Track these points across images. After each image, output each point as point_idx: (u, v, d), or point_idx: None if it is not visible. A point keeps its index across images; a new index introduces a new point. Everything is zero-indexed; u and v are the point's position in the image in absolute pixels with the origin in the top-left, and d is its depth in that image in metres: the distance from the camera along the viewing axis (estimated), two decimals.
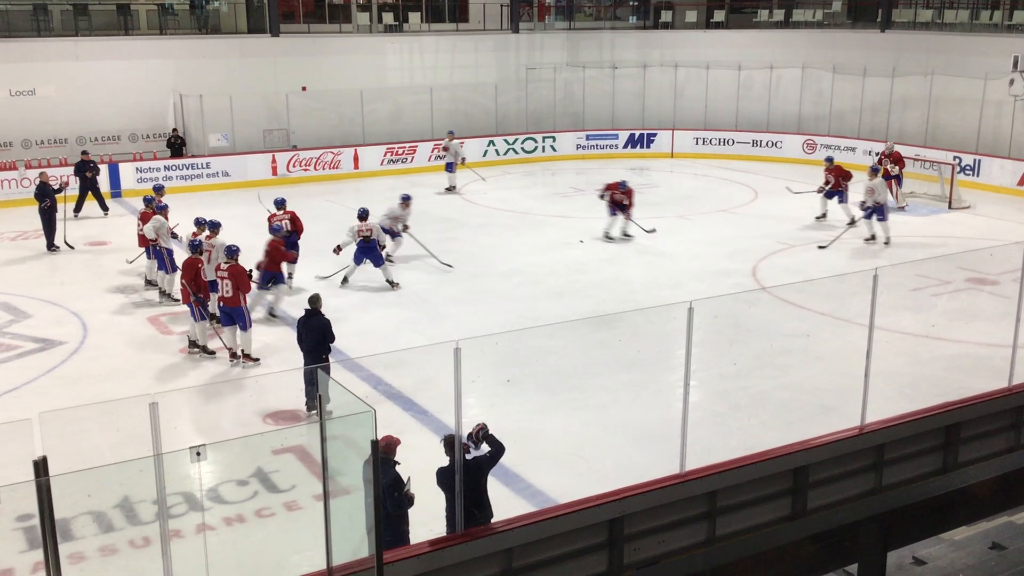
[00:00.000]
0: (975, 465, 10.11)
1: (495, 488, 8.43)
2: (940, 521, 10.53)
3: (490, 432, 7.85)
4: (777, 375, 12.69)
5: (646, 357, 13.21)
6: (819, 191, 21.03)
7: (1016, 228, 20.28)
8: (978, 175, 24.79)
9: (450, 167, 25.32)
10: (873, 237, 19.17)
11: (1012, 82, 24.74)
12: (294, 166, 26.55)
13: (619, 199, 19.78)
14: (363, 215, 16.83)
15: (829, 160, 21.47)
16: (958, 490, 10.08)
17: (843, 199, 20.72)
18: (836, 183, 20.85)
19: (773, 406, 11.63)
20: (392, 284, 16.66)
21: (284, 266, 15.32)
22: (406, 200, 18.17)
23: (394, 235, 18.08)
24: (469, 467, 7.68)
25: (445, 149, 25.44)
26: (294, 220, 16.80)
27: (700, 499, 8.58)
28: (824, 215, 21.04)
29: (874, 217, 19.10)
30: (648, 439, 10.42)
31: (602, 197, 20.07)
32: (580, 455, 10.46)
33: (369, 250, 16.62)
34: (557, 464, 10.21)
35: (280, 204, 16.94)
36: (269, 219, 16.77)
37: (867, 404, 9.51)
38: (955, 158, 24.35)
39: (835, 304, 14.71)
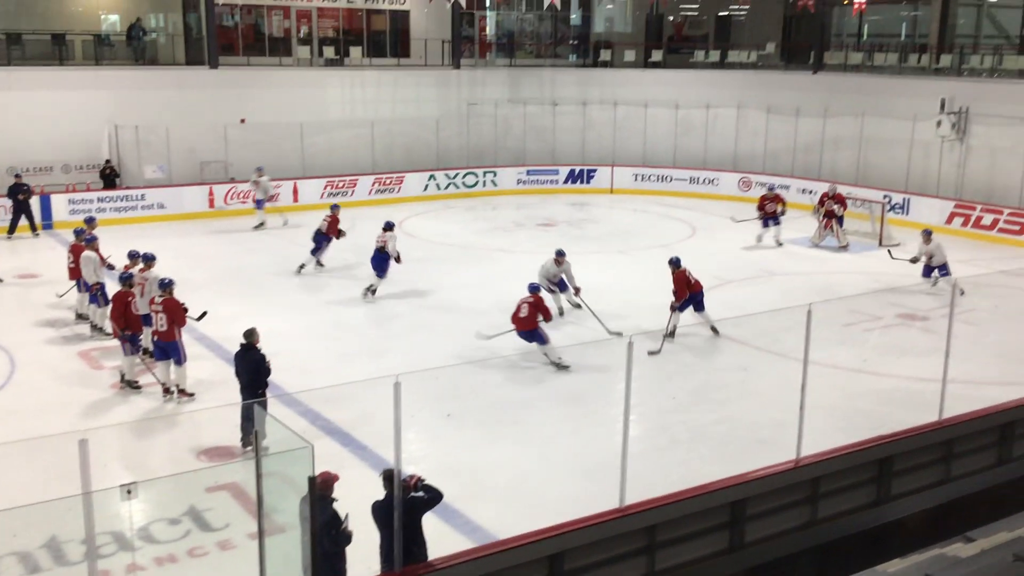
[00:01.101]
0: (907, 497, 10.30)
1: (434, 524, 8.36)
2: (874, 553, 10.67)
3: (425, 482, 7.79)
4: (715, 409, 12.82)
5: (586, 391, 13.26)
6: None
7: None
8: (907, 213, 25.47)
9: (259, 204, 24.47)
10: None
11: (939, 123, 25.57)
12: (232, 198, 26.26)
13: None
14: (387, 227, 18.20)
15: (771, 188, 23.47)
16: (891, 522, 10.25)
17: (776, 222, 22.86)
18: (774, 211, 22.66)
19: (711, 440, 11.73)
20: (369, 292, 17.77)
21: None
22: (560, 256, 16.56)
23: (553, 291, 16.59)
24: (405, 504, 7.60)
25: (256, 184, 24.39)
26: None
27: (640, 533, 8.60)
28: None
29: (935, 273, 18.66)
30: (588, 473, 10.42)
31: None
32: (520, 490, 10.42)
33: (380, 260, 17.74)
34: (497, 499, 10.16)
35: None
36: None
37: (802, 437, 9.65)
38: (885, 197, 25.00)
39: (770, 339, 14.94)
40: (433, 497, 7.80)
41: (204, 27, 28.40)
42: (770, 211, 22.93)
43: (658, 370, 13.76)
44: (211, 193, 25.99)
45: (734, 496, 9.05)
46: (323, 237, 20.15)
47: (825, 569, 10.02)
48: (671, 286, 15.69)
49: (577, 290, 16.57)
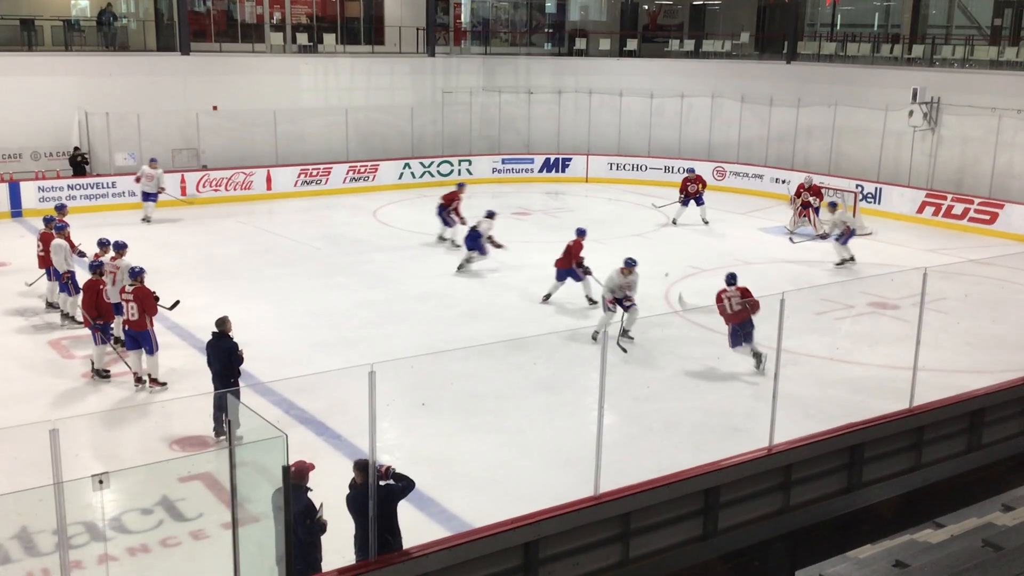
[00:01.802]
0: (878, 484, 10.41)
1: (409, 513, 8.36)
2: (845, 539, 10.78)
3: (396, 471, 7.79)
4: (688, 397, 12.88)
5: (561, 380, 13.28)
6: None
7: (916, 254, 21.04)
8: (880, 203, 25.69)
9: (149, 197, 23.29)
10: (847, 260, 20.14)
11: (911, 113, 25.76)
12: (204, 186, 26.05)
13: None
14: (488, 215, 19.33)
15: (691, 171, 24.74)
16: (862, 509, 10.36)
17: (700, 202, 24.16)
18: (696, 192, 24.14)
19: (685, 428, 11.79)
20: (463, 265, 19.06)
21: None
22: (629, 266, 14.87)
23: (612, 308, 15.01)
24: (379, 493, 7.59)
25: (149, 178, 23.17)
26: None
27: (614, 521, 8.64)
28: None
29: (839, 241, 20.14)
30: (563, 462, 10.45)
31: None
32: (495, 478, 10.44)
33: (473, 237, 19.05)
34: (472, 488, 10.16)
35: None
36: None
37: (775, 425, 9.73)
38: (858, 186, 25.19)
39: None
40: (407, 486, 7.79)
41: (175, 13, 28.08)
42: (692, 192, 24.09)
43: (633, 359, 13.80)
44: (183, 181, 25.75)
45: (708, 483, 9.11)
46: (443, 209, 21.11)
47: (797, 555, 10.11)
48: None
49: (627, 301, 14.73)
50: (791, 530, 9.82)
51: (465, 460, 10.84)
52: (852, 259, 20.15)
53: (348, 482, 7.74)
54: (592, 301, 16.57)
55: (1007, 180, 24.41)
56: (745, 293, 13.31)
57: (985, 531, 8.58)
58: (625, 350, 13.93)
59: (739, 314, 13.16)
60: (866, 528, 10.50)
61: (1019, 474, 11.54)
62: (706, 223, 24.08)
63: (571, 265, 16.74)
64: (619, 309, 14.62)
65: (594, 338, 14.38)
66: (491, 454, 11.05)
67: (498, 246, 19.19)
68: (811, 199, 23.13)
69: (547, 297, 17.12)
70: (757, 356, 13.33)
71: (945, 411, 10.87)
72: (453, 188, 21.91)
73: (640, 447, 11.04)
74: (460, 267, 19.17)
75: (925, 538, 8.60)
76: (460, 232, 20.46)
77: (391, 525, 7.73)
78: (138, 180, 23.25)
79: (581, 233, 17.05)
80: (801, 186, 23.65)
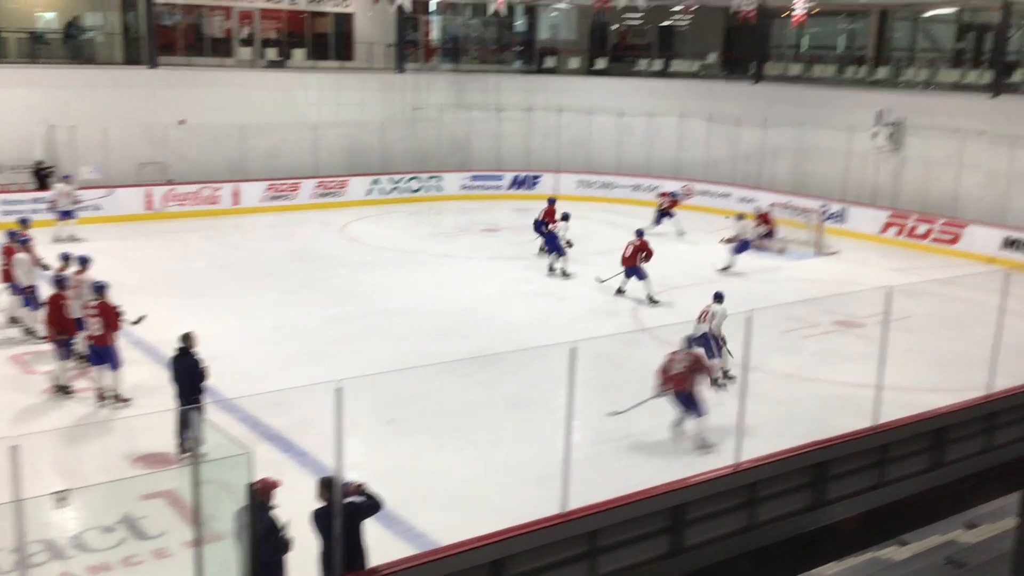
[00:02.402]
0: (843, 502, 10.48)
1: (376, 530, 8.29)
2: (810, 557, 10.84)
3: (365, 489, 7.74)
4: (657, 414, 12.89)
5: (529, 397, 13.27)
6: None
7: (880, 273, 21.28)
8: (845, 222, 25.98)
9: (69, 215, 22.70)
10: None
11: (875, 135, 26.13)
12: (170, 200, 25.83)
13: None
14: (564, 217, 20.97)
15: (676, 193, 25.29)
16: (827, 526, 10.42)
17: (671, 215, 25.26)
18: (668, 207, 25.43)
19: (653, 445, 11.81)
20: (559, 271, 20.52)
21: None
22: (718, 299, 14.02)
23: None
24: (345, 510, 7.53)
25: (65, 196, 22.54)
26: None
27: (581, 538, 8.63)
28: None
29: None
30: (531, 479, 10.43)
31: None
32: (462, 495, 10.39)
33: (552, 239, 20.74)
34: (439, 505, 10.11)
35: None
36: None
37: (741, 442, 9.77)
38: (823, 206, 25.47)
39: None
40: (373, 504, 7.74)
41: (143, 26, 27.90)
42: (664, 207, 25.42)
43: (601, 376, 13.81)
44: (149, 195, 25.54)
45: (675, 501, 9.13)
46: (542, 224, 21.82)
47: (763, 572, 10.15)
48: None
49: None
50: (757, 547, 9.85)
51: (432, 477, 10.79)
52: (728, 268, 21.33)
53: (313, 499, 7.68)
54: (653, 300, 18.33)
55: (969, 201, 24.79)
56: (697, 361, 11.80)
57: (948, 549, 8.69)
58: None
59: (679, 378, 11.60)
60: (831, 545, 10.58)
61: (982, 492, 11.67)
62: (682, 234, 24.96)
63: (636, 263, 18.48)
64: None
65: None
66: (459, 471, 11.01)
67: (570, 245, 20.75)
68: (761, 227, 23.36)
69: (620, 291, 18.91)
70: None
71: (909, 429, 10.97)
72: (546, 204, 22.72)
73: (608, 464, 11.05)
74: (551, 269, 20.74)
75: (889, 556, 8.68)
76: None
77: (357, 543, 7.67)
78: (53, 201, 22.64)
79: (640, 233, 18.96)
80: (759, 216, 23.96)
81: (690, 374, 11.47)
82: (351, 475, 8.00)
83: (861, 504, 10.65)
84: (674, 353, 11.76)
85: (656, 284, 18.90)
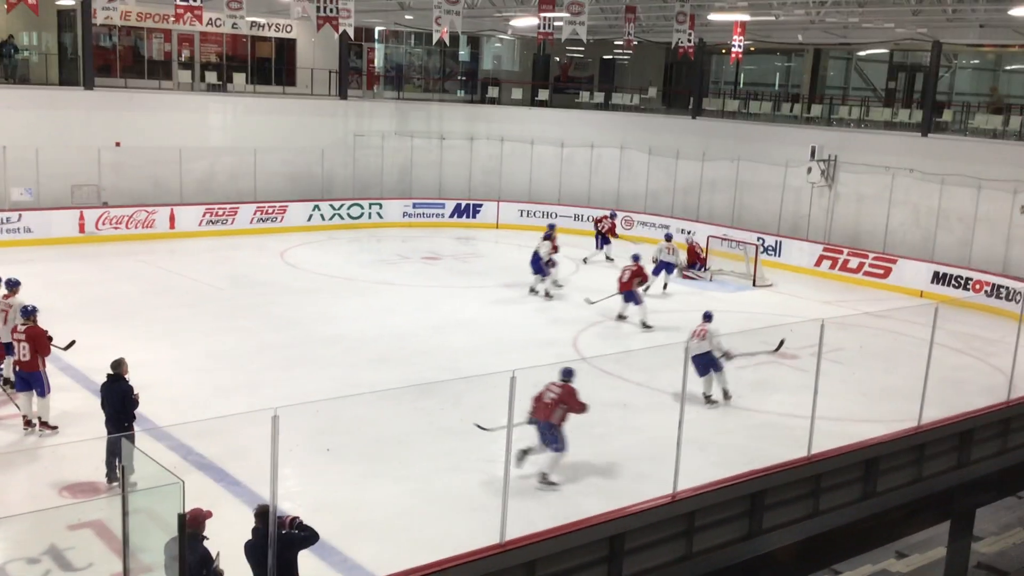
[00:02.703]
0: (778, 531, 10.58)
1: (311, 563, 8.16)
2: None
3: (301, 522, 7.62)
4: (596, 444, 12.93)
5: (468, 426, 13.20)
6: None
7: (814, 306, 21.69)
8: (780, 255, 26.46)
9: None
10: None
11: (809, 170, 26.73)
12: (104, 224, 25.34)
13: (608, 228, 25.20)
14: (546, 237, 21.84)
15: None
16: (762, 555, 10.51)
17: (607, 241, 25.92)
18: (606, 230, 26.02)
19: (592, 475, 11.82)
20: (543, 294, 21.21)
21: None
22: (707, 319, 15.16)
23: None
24: (280, 541, 7.40)
25: None
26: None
27: (519, 569, 8.58)
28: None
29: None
30: (469, 509, 10.36)
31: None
32: (400, 526, 10.28)
33: (535, 261, 21.33)
34: (376, 536, 9.99)
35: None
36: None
37: (679, 472, 9.83)
38: (759, 239, 25.92)
39: (650, 375, 15.23)
40: (309, 536, 7.62)
41: (80, 47, 27.46)
42: (603, 230, 25.91)
43: None
44: (82, 218, 25.02)
45: (613, 530, 9.14)
46: (537, 258, 21.82)
47: None
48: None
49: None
50: None
51: (369, 507, 10.65)
52: (646, 288, 20.73)
53: (247, 530, 7.53)
54: (646, 326, 18.84)
55: (900, 236, 25.45)
56: (568, 393, 11.41)
57: None
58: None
59: (546, 408, 11.26)
60: (766, 574, 10.66)
61: (912, 522, 11.89)
62: (609, 260, 25.38)
63: (632, 288, 19.07)
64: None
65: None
66: (396, 501, 10.89)
67: (552, 264, 21.46)
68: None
69: (621, 317, 19.36)
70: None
71: (842, 459, 11.14)
72: (547, 230, 22.91)
73: (547, 494, 11.02)
74: (533, 291, 21.42)
75: None
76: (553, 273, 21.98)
77: (291, 575, 7.53)
78: None
79: (636, 258, 19.49)
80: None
81: (556, 406, 11.21)
82: (286, 505, 7.87)
83: (796, 533, 10.77)
84: (552, 383, 11.46)
85: (592, 314, 19.00)
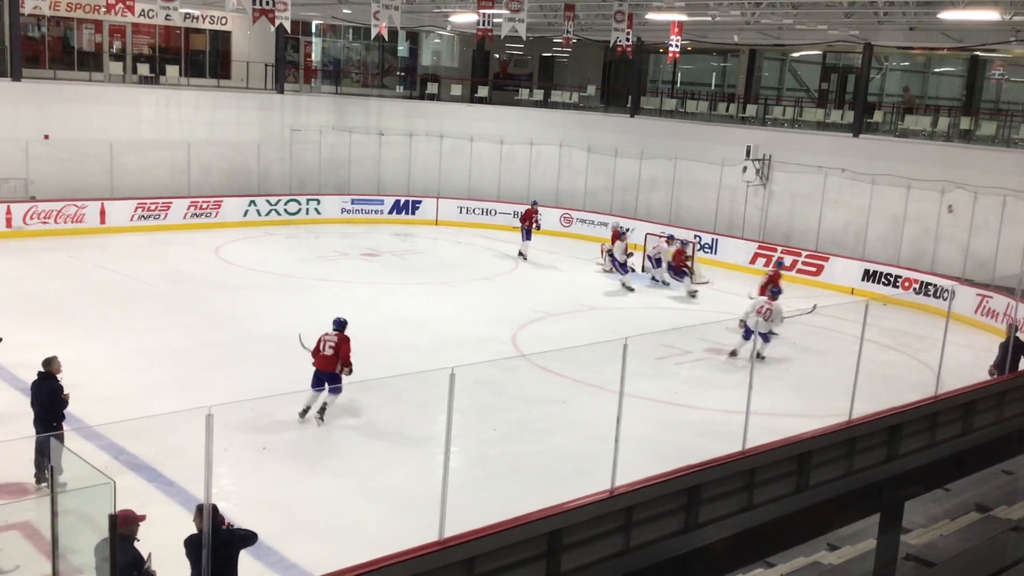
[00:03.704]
0: (714, 524, 10.72)
1: (247, 563, 8.04)
2: None
3: (235, 527, 7.54)
4: (536, 440, 12.99)
5: (407, 423, 13.16)
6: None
7: (748, 302, 21.98)
8: (716, 253, 26.81)
9: None
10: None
11: (745, 169, 27.13)
12: (32, 218, 24.68)
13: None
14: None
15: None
16: (698, 549, 10.63)
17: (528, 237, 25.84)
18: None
19: (532, 471, 11.86)
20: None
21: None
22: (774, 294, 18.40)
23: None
24: (222, 538, 7.30)
25: None
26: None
27: (459, 566, 8.56)
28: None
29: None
30: (408, 506, 10.33)
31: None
32: (337, 525, 10.20)
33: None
34: (313, 535, 9.90)
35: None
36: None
37: (617, 468, 9.90)
38: (696, 237, 26.24)
39: (589, 371, 15.32)
40: (248, 535, 7.53)
41: (7, 37, 26.70)
42: (528, 224, 25.86)
43: (480, 402, 13.82)
44: (9, 212, 24.34)
45: (551, 526, 9.16)
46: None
47: None
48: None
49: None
50: (632, 571, 9.97)
51: (307, 506, 10.55)
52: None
53: (180, 531, 7.41)
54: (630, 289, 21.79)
55: (832, 234, 25.97)
56: (343, 340, 13.04)
57: (813, 570, 8.97)
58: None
59: (329, 360, 12.88)
60: (702, 568, 10.80)
61: (843, 514, 12.13)
62: (523, 257, 25.71)
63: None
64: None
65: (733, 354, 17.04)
66: (334, 500, 10.81)
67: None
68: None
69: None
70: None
71: (775, 453, 11.31)
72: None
73: (486, 490, 11.03)
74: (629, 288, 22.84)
75: None
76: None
77: (231, 573, 7.43)
78: None
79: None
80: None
81: (335, 356, 12.95)
82: (221, 504, 7.76)
83: (731, 527, 10.91)
84: (326, 334, 13.20)
85: (530, 312, 19.06)
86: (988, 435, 13.02)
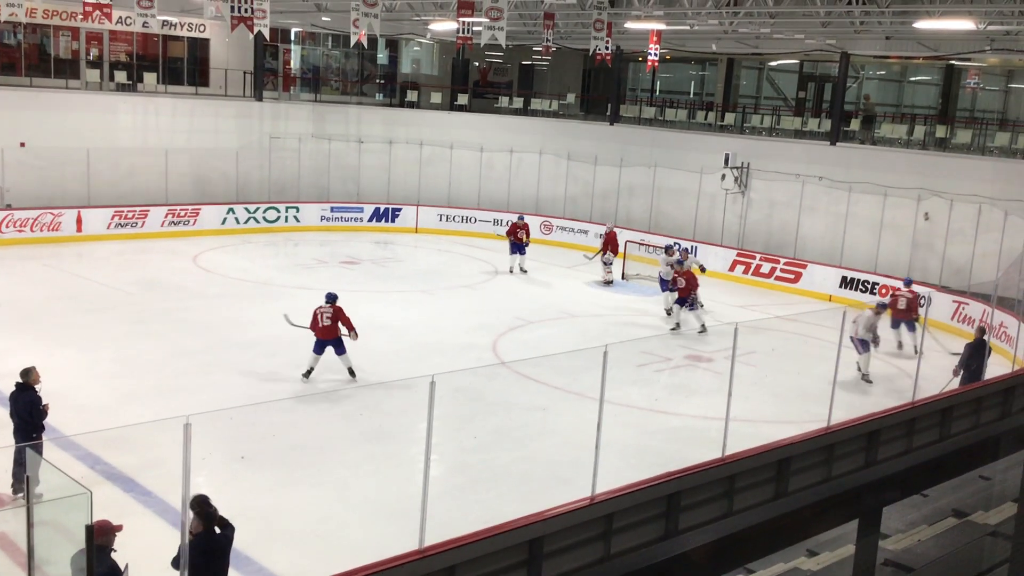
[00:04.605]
0: (693, 531, 10.74)
1: None
2: None
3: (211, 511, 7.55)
4: (515, 448, 12.98)
5: (387, 431, 13.12)
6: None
7: (727, 310, 22.11)
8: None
9: None
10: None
11: (723, 177, 27.27)
12: (7, 227, 24.46)
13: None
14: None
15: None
16: (678, 555, 10.64)
17: (522, 251, 25.07)
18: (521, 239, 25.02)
19: (512, 478, 11.85)
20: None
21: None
22: (881, 308, 18.13)
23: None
24: (222, 542, 7.42)
25: None
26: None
27: (439, 574, 8.53)
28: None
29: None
30: (387, 515, 10.29)
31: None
32: (317, 533, 10.15)
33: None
34: (293, 544, 9.84)
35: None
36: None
37: (597, 475, 9.91)
38: (675, 243, 26.29)
39: (569, 378, 15.33)
40: (231, 528, 7.67)
41: None
42: (519, 238, 24.94)
43: (460, 409, 13.80)
44: None
45: (532, 534, 9.15)
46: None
47: None
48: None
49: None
50: None
51: (285, 515, 10.49)
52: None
53: (157, 541, 7.35)
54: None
55: (809, 242, 26.13)
56: (338, 311, 14.99)
57: None
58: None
59: (329, 329, 14.89)
60: (681, 575, 10.81)
61: (822, 520, 12.18)
62: (524, 271, 24.99)
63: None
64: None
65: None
66: (313, 508, 10.75)
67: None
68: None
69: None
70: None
71: (754, 460, 11.35)
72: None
73: (467, 498, 11.01)
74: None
75: None
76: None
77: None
78: None
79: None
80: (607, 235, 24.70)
81: (335, 325, 14.77)
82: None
83: (710, 533, 10.93)
84: (320, 307, 15.00)
85: (511, 319, 19.06)
86: (965, 440, 13.12)
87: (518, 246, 25.12)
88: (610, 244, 24.53)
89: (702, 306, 20.62)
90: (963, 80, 30.27)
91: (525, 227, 25.37)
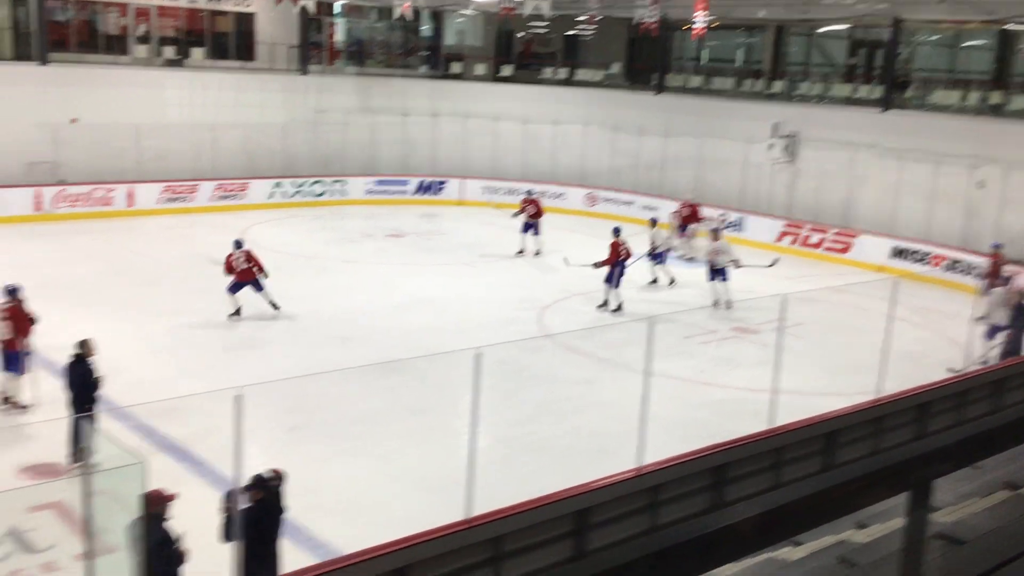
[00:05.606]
0: (740, 503, 10.71)
1: None
2: (709, 558, 11.04)
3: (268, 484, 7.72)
4: (560, 420, 13.01)
5: (432, 404, 13.22)
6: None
7: (774, 281, 21.82)
8: (742, 231, 26.64)
9: None
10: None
11: (771, 146, 26.88)
12: (60, 201, 24.92)
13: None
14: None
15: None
16: (725, 527, 10.63)
17: (536, 231, 23.68)
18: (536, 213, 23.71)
19: (556, 451, 11.89)
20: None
21: None
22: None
23: None
24: (276, 512, 7.66)
25: None
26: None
27: (486, 544, 8.61)
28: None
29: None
30: (434, 486, 10.38)
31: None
32: (365, 504, 10.28)
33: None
34: (341, 513, 9.99)
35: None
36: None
37: (643, 447, 9.91)
38: (722, 215, 26.06)
39: (613, 351, 15.31)
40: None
41: (34, 21, 26.87)
42: (531, 214, 23.64)
43: (505, 383, 13.85)
44: (38, 195, 24.59)
45: (578, 505, 9.19)
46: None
47: (664, 574, 10.29)
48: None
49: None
50: (658, 549, 9.98)
51: (335, 486, 10.64)
52: (655, 282, 21.34)
53: (209, 511, 7.50)
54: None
55: (860, 211, 25.71)
56: (250, 257, 16.97)
57: (840, 548, 8.94)
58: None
59: (247, 272, 16.75)
60: (729, 546, 10.79)
61: (871, 493, 12.07)
62: (537, 254, 23.58)
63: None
64: None
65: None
66: (361, 479, 10.89)
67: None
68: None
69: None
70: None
71: (802, 432, 11.27)
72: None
73: (512, 470, 11.07)
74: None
75: (784, 556, 8.90)
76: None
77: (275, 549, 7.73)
78: None
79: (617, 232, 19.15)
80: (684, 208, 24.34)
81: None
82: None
83: (758, 505, 10.89)
84: (231, 255, 16.88)
85: (555, 292, 19.04)
86: (1018, 412, 12.91)
87: (530, 225, 23.68)
88: (692, 217, 24.16)
89: (737, 266, 19.83)
90: (1018, 44, 29.44)
91: (534, 202, 23.92)
